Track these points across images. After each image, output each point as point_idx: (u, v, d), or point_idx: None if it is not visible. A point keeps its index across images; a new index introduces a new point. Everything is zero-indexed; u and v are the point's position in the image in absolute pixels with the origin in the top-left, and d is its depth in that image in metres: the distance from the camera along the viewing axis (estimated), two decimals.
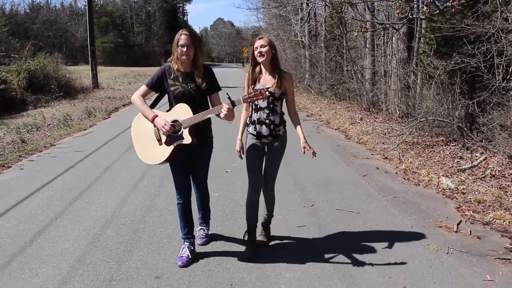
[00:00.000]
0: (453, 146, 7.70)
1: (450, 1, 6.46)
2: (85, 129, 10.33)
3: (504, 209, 4.81)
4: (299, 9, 20.10)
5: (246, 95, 3.33)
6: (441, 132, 8.45)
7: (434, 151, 7.54)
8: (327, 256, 3.76)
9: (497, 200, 5.09)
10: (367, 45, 13.69)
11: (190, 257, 3.62)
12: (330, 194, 5.45)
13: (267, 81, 3.60)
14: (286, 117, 3.75)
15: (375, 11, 12.64)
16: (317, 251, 3.87)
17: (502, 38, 6.84)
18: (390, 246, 3.94)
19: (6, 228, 4.36)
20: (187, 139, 3.36)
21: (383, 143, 8.45)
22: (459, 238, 4.13)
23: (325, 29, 17.88)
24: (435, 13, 7.73)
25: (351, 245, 4.01)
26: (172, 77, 3.48)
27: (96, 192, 5.50)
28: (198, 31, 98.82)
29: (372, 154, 7.70)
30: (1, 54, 19.99)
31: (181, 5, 75.45)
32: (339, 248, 3.91)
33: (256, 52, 3.53)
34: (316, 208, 4.96)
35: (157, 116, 3.43)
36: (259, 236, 4.03)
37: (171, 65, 3.51)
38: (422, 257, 3.72)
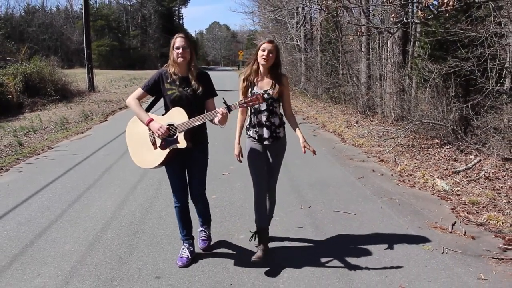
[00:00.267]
0: (447, 148, 7.79)
1: (444, 6, 6.56)
2: (82, 132, 10.37)
3: (498, 210, 4.89)
4: (295, 13, 20.23)
5: (242, 100, 3.35)
6: (436, 135, 8.55)
7: (429, 153, 7.63)
8: (324, 256, 3.82)
9: (491, 202, 5.17)
10: (363, 49, 13.80)
11: (189, 257, 3.67)
12: (327, 196, 5.52)
13: (264, 83, 3.63)
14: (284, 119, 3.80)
15: (370, 15, 12.76)
16: (315, 252, 3.93)
17: (495, 42, 6.95)
18: (386, 247, 4.01)
19: (6, 230, 4.40)
20: (182, 143, 3.37)
21: (378, 145, 8.53)
22: (453, 239, 4.21)
23: (321, 32, 17.99)
24: (429, 17, 7.84)
25: (348, 245, 4.07)
26: (169, 81, 3.49)
27: (95, 195, 5.54)
28: (193, 35, 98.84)
29: (368, 157, 7.79)
30: None
31: (176, 8, 75.47)
32: (336, 249, 3.98)
33: (261, 54, 3.53)
34: (313, 209, 5.03)
35: (152, 119, 3.43)
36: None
37: (168, 69, 3.52)
38: (417, 257, 3.79)
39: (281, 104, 3.72)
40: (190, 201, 3.81)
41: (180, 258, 3.67)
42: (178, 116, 3.38)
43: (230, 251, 3.94)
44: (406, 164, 6.97)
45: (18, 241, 4.13)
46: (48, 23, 54.93)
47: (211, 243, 3.99)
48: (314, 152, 3.60)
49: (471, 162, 6.75)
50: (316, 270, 3.56)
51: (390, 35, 10.74)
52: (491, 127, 7.13)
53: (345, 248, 4.00)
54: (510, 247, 4.00)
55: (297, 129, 3.72)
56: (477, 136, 7.59)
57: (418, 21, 8.96)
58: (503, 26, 7.23)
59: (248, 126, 3.76)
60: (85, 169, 6.82)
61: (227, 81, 26.22)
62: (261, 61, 3.56)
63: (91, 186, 5.91)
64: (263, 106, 3.59)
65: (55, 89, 16.68)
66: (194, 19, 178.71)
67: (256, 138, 3.68)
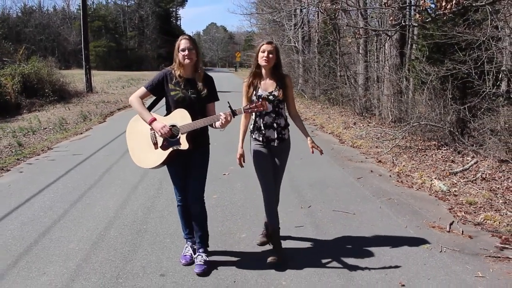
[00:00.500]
0: (445, 150, 7.89)
1: (442, 9, 6.64)
2: (81, 133, 10.40)
3: (495, 210, 4.98)
4: (293, 15, 20.32)
5: (247, 106, 3.38)
6: (433, 136, 8.65)
7: (426, 155, 7.72)
8: (325, 254, 3.89)
9: (487, 202, 5.26)
10: (360, 51, 13.91)
11: (193, 255, 3.72)
12: (326, 196, 5.59)
13: (268, 85, 3.65)
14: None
15: (368, 18, 12.86)
16: (316, 250, 4.01)
17: (492, 45, 7.06)
18: (385, 245, 4.09)
19: (10, 230, 4.44)
20: (184, 145, 3.36)
21: (376, 147, 8.62)
22: (451, 238, 4.29)
23: (319, 35, 18.09)
24: (427, 20, 7.91)
25: (348, 244, 4.15)
26: (173, 82, 3.47)
27: (97, 195, 5.59)
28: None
29: (366, 158, 7.87)
30: None
31: (174, 9, 75.51)
32: (336, 247, 4.06)
33: (262, 55, 3.56)
34: (313, 209, 5.10)
35: (155, 119, 3.41)
36: (260, 235, 4.14)
37: (173, 70, 3.51)
38: (416, 255, 3.87)
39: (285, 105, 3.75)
40: None
41: (184, 256, 3.73)
42: (181, 117, 3.38)
43: (233, 250, 4.00)
44: (404, 165, 7.05)
45: (22, 240, 4.17)
46: (45, 23, 54.79)
47: (211, 272, 3.57)
48: (321, 152, 3.67)
49: (468, 163, 6.84)
50: (318, 268, 3.63)
51: (388, 38, 10.83)
52: (488, 129, 7.23)
53: (345, 247, 4.07)
54: (506, 246, 4.08)
55: (303, 129, 3.76)
56: (474, 138, 7.69)
57: (416, 24, 9.03)
58: (499, 29, 7.34)
59: (252, 129, 3.75)
60: (86, 169, 6.86)
61: (224, 82, 26.33)
62: (262, 62, 3.58)
63: (93, 186, 5.95)
64: (269, 108, 3.58)
65: (53, 90, 16.66)
66: (191, 20, 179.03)
67: (262, 140, 3.68)
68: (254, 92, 3.65)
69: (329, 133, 10.53)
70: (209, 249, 3.83)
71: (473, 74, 7.34)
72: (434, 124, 8.41)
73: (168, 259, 3.78)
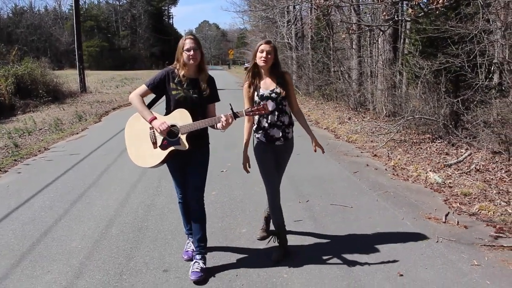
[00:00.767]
0: (439, 143, 7.98)
1: (434, 3, 6.73)
2: (77, 133, 10.43)
3: (489, 201, 5.08)
4: (286, 12, 20.36)
5: (249, 108, 3.34)
6: (427, 129, 8.74)
7: (421, 148, 7.82)
8: (324, 247, 3.98)
9: (482, 193, 5.35)
10: (354, 46, 13.99)
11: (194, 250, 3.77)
12: (324, 190, 5.67)
13: (268, 84, 3.63)
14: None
15: (361, 13, 12.93)
16: (315, 243, 4.08)
17: (484, 38, 7.14)
18: (383, 237, 4.17)
19: (11, 230, 4.48)
20: (184, 145, 3.32)
21: (371, 141, 8.70)
22: (447, 228, 4.38)
23: (312, 31, 18.15)
24: (420, 15, 8.02)
25: (346, 236, 4.22)
26: (175, 81, 3.41)
27: (96, 194, 5.63)
28: (183, 34, 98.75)
29: (361, 152, 7.95)
30: None
31: (166, 8, 75.31)
32: (335, 240, 4.13)
33: (260, 55, 3.54)
34: (311, 203, 5.17)
35: (155, 118, 3.35)
36: (260, 230, 4.20)
37: (175, 69, 3.44)
38: (413, 246, 3.95)
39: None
40: None
41: (186, 252, 3.78)
42: (182, 117, 3.33)
43: (234, 244, 4.06)
44: (399, 159, 7.13)
45: (24, 240, 4.21)
46: (37, 24, 54.55)
47: (209, 279, 3.45)
48: (323, 151, 3.80)
49: (462, 155, 6.93)
50: (317, 260, 3.70)
51: (381, 33, 10.92)
52: (481, 121, 7.32)
53: (344, 239, 4.15)
54: (501, 235, 4.18)
55: (308, 129, 3.80)
56: (468, 130, 7.79)
57: (409, 19, 9.13)
58: (491, 23, 7.42)
59: (256, 129, 3.69)
60: (84, 169, 6.90)
61: (218, 80, 26.14)
62: (260, 63, 3.56)
63: (92, 185, 5.99)
64: (273, 106, 3.57)
65: (47, 90, 16.66)
66: (183, 19, 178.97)
67: (267, 139, 3.65)
68: (256, 92, 3.62)
69: (324, 129, 10.61)
70: (210, 244, 3.85)
71: (466, 67, 7.42)
72: (428, 118, 8.50)
73: (170, 255, 3.84)
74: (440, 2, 6.58)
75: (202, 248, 3.58)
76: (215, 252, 3.87)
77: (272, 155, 3.70)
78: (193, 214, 3.62)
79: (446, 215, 4.69)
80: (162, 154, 3.38)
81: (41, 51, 46.80)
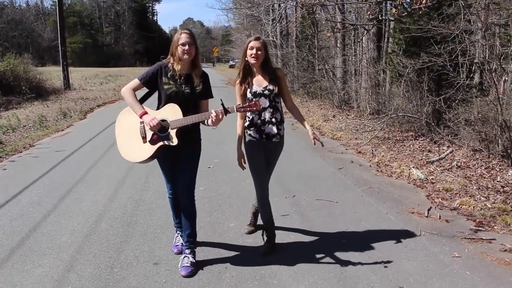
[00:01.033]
0: (422, 140, 8.17)
1: (417, 4, 6.89)
2: (62, 130, 10.38)
3: (469, 196, 5.24)
4: (271, 10, 20.46)
5: (240, 105, 3.32)
6: (410, 127, 8.92)
7: (404, 145, 7.99)
8: (311, 240, 4.09)
9: (463, 188, 5.52)
10: (338, 45, 14.15)
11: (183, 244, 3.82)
12: (309, 186, 5.78)
13: (260, 81, 3.64)
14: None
15: (346, 12, 13.09)
16: (301, 236, 4.18)
17: (465, 38, 7.32)
18: (368, 231, 4.30)
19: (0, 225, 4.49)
20: (174, 141, 3.30)
21: (356, 138, 8.86)
22: (429, 222, 4.52)
23: (297, 29, 18.28)
24: (403, 14, 8.19)
25: (332, 230, 4.33)
26: (168, 75, 3.38)
27: (84, 189, 5.65)
28: (167, 31, 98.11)
29: (346, 149, 8.10)
30: None
31: (150, 5, 74.78)
32: (321, 233, 4.24)
33: (250, 52, 3.53)
34: (298, 198, 5.27)
35: (146, 112, 3.32)
36: (248, 225, 4.28)
37: (169, 64, 3.41)
38: (397, 239, 4.07)
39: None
40: None
41: (176, 246, 3.84)
42: (172, 112, 3.30)
43: (222, 238, 4.13)
44: (383, 155, 7.29)
45: (13, 235, 4.22)
46: (18, 19, 53.74)
47: (197, 273, 3.49)
48: (322, 144, 3.80)
49: (444, 152, 7.11)
50: (305, 253, 3.79)
51: (365, 32, 11.08)
52: (462, 119, 7.51)
53: (330, 233, 4.26)
54: (480, 228, 4.34)
55: (304, 122, 3.80)
56: (449, 128, 7.98)
57: (393, 18, 9.30)
58: (472, 23, 7.62)
59: (248, 126, 3.68)
60: (71, 165, 6.89)
61: None
62: (251, 60, 3.55)
63: (79, 181, 6.00)
64: (266, 103, 3.60)
65: (30, 87, 16.48)
66: (168, 16, 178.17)
67: (261, 137, 3.64)
68: (249, 89, 3.62)
69: (309, 126, 10.72)
70: (199, 239, 3.92)
71: (448, 67, 7.60)
72: (411, 116, 8.68)
73: (160, 248, 3.90)
74: (423, 2, 6.74)
75: (192, 243, 3.62)
76: (204, 246, 3.94)
77: (263, 152, 3.70)
78: (184, 210, 3.62)
79: (429, 210, 4.84)
80: (151, 149, 3.36)
81: (22, 47, 46.16)
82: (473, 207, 4.90)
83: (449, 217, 4.65)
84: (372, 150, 7.73)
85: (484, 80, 7.75)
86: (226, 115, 3.30)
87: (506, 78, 7.14)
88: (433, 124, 8.35)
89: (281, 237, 4.11)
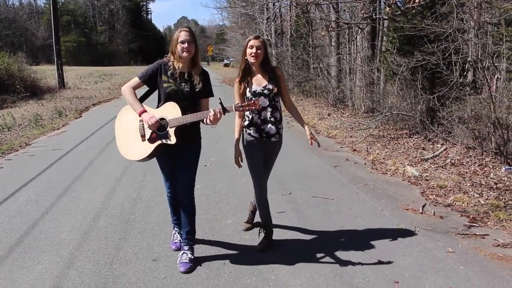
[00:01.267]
0: (416, 138, 8.25)
1: (411, 3, 6.96)
2: (58, 129, 10.38)
3: (463, 193, 5.32)
4: (265, 8, 20.50)
5: (239, 104, 3.30)
6: (404, 125, 9.00)
7: (399, 143, 8.07)
8: (306, 236, 4.14)
9: (456, 185, 5.60)
10: (333, 44, 14.21)
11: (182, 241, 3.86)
12: (305, 183, 5.84)
13: (260, 80, 3.61)
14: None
15: (340, 11, 13.15)
16: (298, 233, 4.24)
17: (458, 37, 7.40)
18: (363, 227, 4.36)
19: None
20: (172, 139, 3.30)
21: (351, 136, 8.93)
22: (424, 219, 4.59)
23: (292, 28, 18.33)
24: (397, 13, 8.26)
25: (328, 227, 4.39)
26: (168, 74, 3.37)
27: (81, 188, 5.68)
28: (161, 30, 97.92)
29: (341, 147, 8.16)
30: None
31: (144, 3, 74.59)
32: (317, 230, 4.30)
33: (250, 51, 3.51)
34: (294, 196, 5.33)
35: (145, 111, 3.32)
36: (244, 222, 4.33)
37: (169, 62, 3.41)
38: (392, 235, 4.14)
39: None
40: None
41: (174, 243, 3.88)
42: (172, 111, 3.29)
43: (220, 235, 4.18)
44: (377, 153, 7.36)
45: (12, 233, 4.25)
46: (11, 18, 53.40)
47: (195, 268, 3.54)
48: (319, 144, 3.80)
49: (438, 150, 7.19)
50: (301, 249, 3.86)
51: (360, 30, 11.15)
52: (456, 117, 7.60)
53: (325, 229, 4.32)
54: (474, 224, 4.41)
55: (305, 124, 3.79)
56: (443, 126, 8.07)
57: (386, 17, 9.37)
58: (465, 22, 7.70)
59: (247, 125, 3.68)
60: (68, 163, 6.92)
61: None
62: (250, 59, 3.53)
63: (76, 179, 6.03)
64: (266, 102, 3.59)
65: (25, 86, 16.46)
66: (162, 14, 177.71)
67: (261, 136, 3.65)
68: (248, 88, 3.60)
69: (307, 126, 10.78)
70: (197, 236, 3.92)
71: (441, 65, 7.67)
72: (405, 114, 8.76)
73: (158, 245, 3.94)
74: (416, 1, 6.82)
75: (190, 240, 3.65)
76: (203, 243, 3.98)
77: (261, 151, 3.72)
78: (184, 208, 3.63)
79: (423, 206, 4.91)
80: (150, 147, 3.37)
81: (16, 46, 45.85)
82: (467, 204, 4.98)
83: (443, 214, 4.73)
84: (367, 148, 7.80)
85: (477, 78, 7.83)
86: (224, 114, 3.28)
87: (499, 76, 7.22)
88: (427, 122, 8.43)
89: (278, 234, 4.16)
